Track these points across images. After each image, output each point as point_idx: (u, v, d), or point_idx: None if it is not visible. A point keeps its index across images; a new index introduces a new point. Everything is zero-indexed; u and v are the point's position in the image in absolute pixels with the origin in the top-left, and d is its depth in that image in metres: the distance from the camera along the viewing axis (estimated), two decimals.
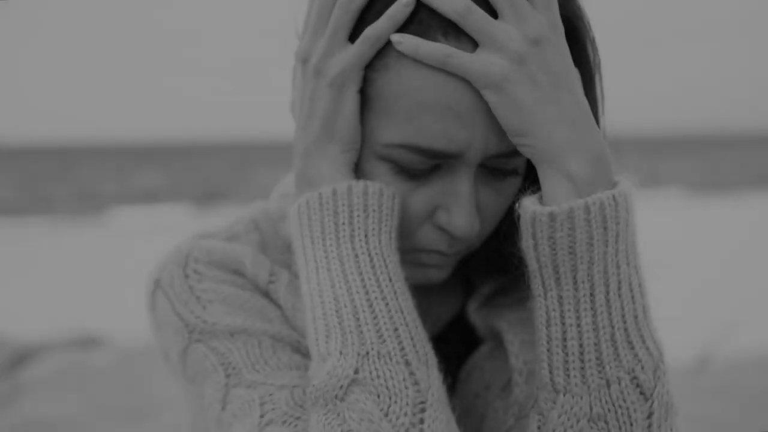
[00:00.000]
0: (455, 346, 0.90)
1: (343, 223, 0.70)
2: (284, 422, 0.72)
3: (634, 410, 0.67)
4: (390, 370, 0.66)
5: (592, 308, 0.67)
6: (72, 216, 16.07)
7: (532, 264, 0.68)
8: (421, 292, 0.91)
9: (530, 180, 0.75)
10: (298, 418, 0.72)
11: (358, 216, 0.71)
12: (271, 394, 0.74)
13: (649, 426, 0.67)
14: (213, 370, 0.77)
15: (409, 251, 0.76)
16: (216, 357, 0.78)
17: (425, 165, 0.70)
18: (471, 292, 0.91)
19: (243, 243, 0.85)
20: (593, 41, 0.75)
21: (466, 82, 0.66)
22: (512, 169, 0.73)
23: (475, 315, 0.87)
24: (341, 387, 0.66)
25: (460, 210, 0.71)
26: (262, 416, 0.73)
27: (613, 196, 0.66)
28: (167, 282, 0.81)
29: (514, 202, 0.75)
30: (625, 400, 0.67)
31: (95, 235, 12.19)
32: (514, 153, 0.70)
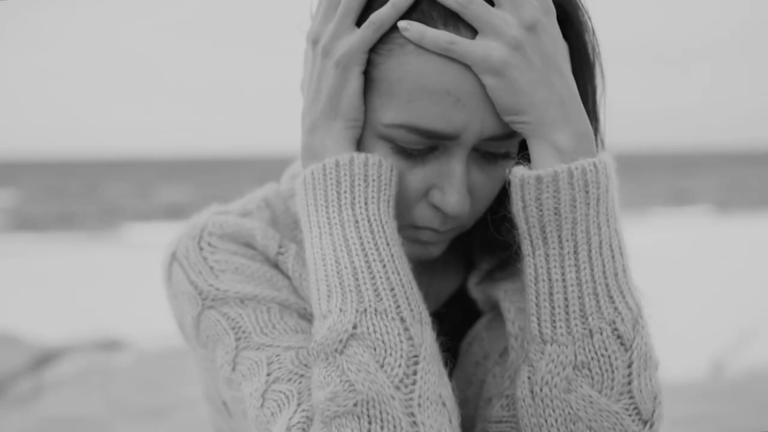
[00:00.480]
0: (457, 320, 0.95)
1: (345, 192, 0.75)
2: (289, 380, 0.76)
3: (615, 359, 0.71)
4: (386, 326, 0.71)
5: (575, 264, 0.72)
6: (96, 231, 16.33)
7: (521, 225, 0.73)
8: (424, 269, 0.96)
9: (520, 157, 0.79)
10: (302, 376, 0.76)
11: (359, 185, 0.75)
12: (277, 355, 0.79)
13: (629, 374, 0.71)
14: (224, 334, 0.82)
15: (406, 227, 0.80)
16: (227, 322, 0.83)
17: (422, 145, 0.75)
18: (471, 270, 0.95)
19: (255, 219, 0.90)
20: (588, 28, 0.80)
21: (463, 68, 0.70)
22: (504, 153, 0.77)
23: (475, 289, 0.92)
24: (341, 341, 0.70)
25: (452, 190, 0.76)
26: (268, 375, 0.77)
27: (594, 164, 0.72)
28: (183, 254, 0.87)
29: (506, 187, 0.80)
30: (606, 349, 0.71)
31: (118, 249, 12.37)
32: (506, 136, 0.74)
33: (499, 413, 0.81)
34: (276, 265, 0.87)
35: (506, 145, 0.76)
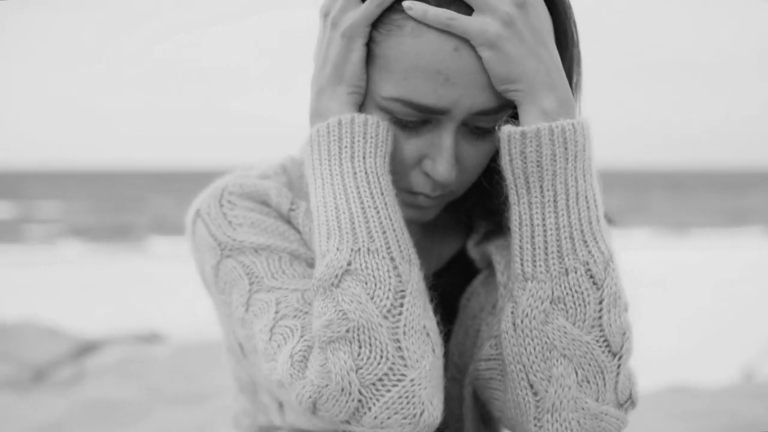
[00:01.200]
0: (459, 279, 1.03)
1: (345, 147, 0.84)
2: (294, 316, 0.85)
3: (588, 295, 0.79)
4: (377, 263, 0.79)
5: (554, 211, 0.80)
6: (138, 241, 16.75)
7: (508, 177, 0.81)
8: (429, 233, 1.05)
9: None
10: (306, 313, 0.84)
11: (358, 141, 0.84)
12: (285, 296, 0.87)
13: (600, 310, 0.79)
14: (239, 279, 0.91)
15: (403, 192, 0.89)
16: (242, 269, 0.92)
17: (416, 118, 0.83)
18: (471, 233, 1.04)
19: (272, 182, 1.00)
20: (570, 13, 0.88)
21: (454, 50, 0.79)
22: (492, 129, 0.85)
23: (474, 250, 1.00)
24: (336, 276, 0.79)
25: (441, 160, 0.84)
26: (276, 312, 0.86)
27: (573, 124, 0.80)
28: (205, 210, 0.97)
29: (494, 159, 0.88)
30: (580, 287, 0.79)
31: (157, 256, 12.70)
32: (493, 111, 0.83)
33: (488, 352, 0.89)
34: (288, 221, 0.96)
35: (493, 120, 0.85)
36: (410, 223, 0.95)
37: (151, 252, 14.25)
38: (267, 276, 0.91)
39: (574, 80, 0.90)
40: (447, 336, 1.00)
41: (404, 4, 0.80)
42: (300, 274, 0.91)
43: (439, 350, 0.81)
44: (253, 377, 1.01)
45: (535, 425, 0.81)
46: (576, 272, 0.79)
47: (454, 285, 1.03)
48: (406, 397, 0.75)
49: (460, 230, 1.08)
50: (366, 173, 0.84)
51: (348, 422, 0.77)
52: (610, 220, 1.00)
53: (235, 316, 0.92)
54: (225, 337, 1.04)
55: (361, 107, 0.87)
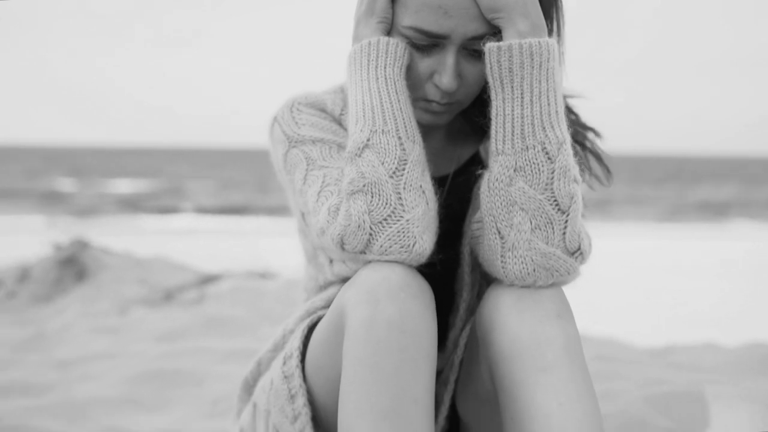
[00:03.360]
0: (473, 178, 1.31)
1: (372, 60, 1.15)
2: (335, 184, 1.17)
3: (542, 166, 1.06)
4: (387, 140, 1.09)
5: (521, 105, 1.07)
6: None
7: (489, 80, 1.10)
8: (449, 139, 1.35)
9: None
10: (341, 182, 1.17)
11: (381, 56, 1.15)
12: (330, 172, 1.20)
13: (552, 178, 1.05)
14: (300, 162, 1.25)
15: (420, 101, 1.19)
16: (303, 155, 1.25)
17: (426, 42, 1.14)
18: (483, 140, 1.32)
19: (330, 95, 1.33)
20: None
21: None
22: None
23: (482, 149, 1.28)
24: (359, 148, 1.10)
25: (446, 74, 1.14)
26: (323, 182, 1.19)
27: (539, 42, 1.07)
28: (280, 115, 1.31)
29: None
30: (536, 159, 1.06)
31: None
32: (483, 36, 1.11)
33: (478, 216, 1.17)
34: (339, 122, 1.28)
35: (484, 44, 1.12)
36: (433, 129, 1.26)
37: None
38: (319, 159, 1.23)
39: (555, 22, 1.18)
40: (462, 218, 1.29)
41: None
42: (343, 158, 1.23)
43: (433, 203, 1.10)
44: (312, 241, 1.34)
45: (501, 261, 1.08)
46: (534, 149, 1.06)
47: (470, 182, 1.31)
48: (403, 232, 1.05)
49: (476, 138, 1.36)
50: (385, 78, 1.14)
51: (363, 252, 1.07)
52: (591, 130, 1.27)
53: (296, 188, 1.26)
54: (295, 215, 1.38)
55: (389, 34, 1.17)
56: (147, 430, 1.95)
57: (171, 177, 29.66)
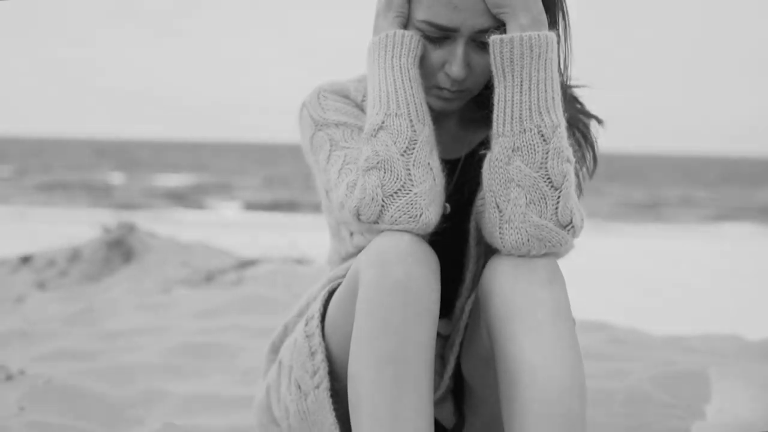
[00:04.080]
0: (482, 161, 1.42)
1: (388, 51, 1.27)
2: (354, 162, 1.29)
3: (537, 146, 1.17)
4: (400, 123, 1.22)
5: (520, 91, 1.18)
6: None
7: (493, 69, 1.21)
8: (462, 125, 1.47)
9: None
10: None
11: (396, 47, 1.27)
12: (351, 153, 1.32)
13: (546, 158, 1.16)
14: (324, 143, 1.38)
15: (432, 88, 1.31)
16: (327, 136, 1.38)
17: (438, 34, 1.25)
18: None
19: (354, 83, 1.45)
20: None
21: None
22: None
23: (491, 134, 1.39)
24: (374, 130, 1.23)
25: (455, 63, 1.25)
26: (344, 161, 1.32)
27: (538, 35, 1.18)
28: (308, 101, 1.44)
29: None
30: (533, 141, 1.17)
31: None
32: (490, 29, 1.20)
33: (482, 194, 1.29)
34: (361, 108, 1.41)
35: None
36: (447, 116, 1.38)
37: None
38: (341, 141, 1.36)
39: (561, 16, 1.29)
40: (473, 197, 1.41)
41: None
42: (362, 140, 1.35)
43: (440, 179, 1.22)
44: (335, 216, 1.47)
45: (499, 232, 1.20)
46: (531, 131, 1.18)
47: (480, 164, 1.43)
48: (411, 204, 1.18)
49: (487, 124, 1.48)
50: (400, 67, 1.26)
51: (376, 222, 1.20)
52: (594, 117, 1.37)
53: (321, 167, 1.39)
54: (320, 193, 1.51)
55: (405, 27, 1.29)
56: (184, 393, 2.11)
57: (218, 172, 30.26)
